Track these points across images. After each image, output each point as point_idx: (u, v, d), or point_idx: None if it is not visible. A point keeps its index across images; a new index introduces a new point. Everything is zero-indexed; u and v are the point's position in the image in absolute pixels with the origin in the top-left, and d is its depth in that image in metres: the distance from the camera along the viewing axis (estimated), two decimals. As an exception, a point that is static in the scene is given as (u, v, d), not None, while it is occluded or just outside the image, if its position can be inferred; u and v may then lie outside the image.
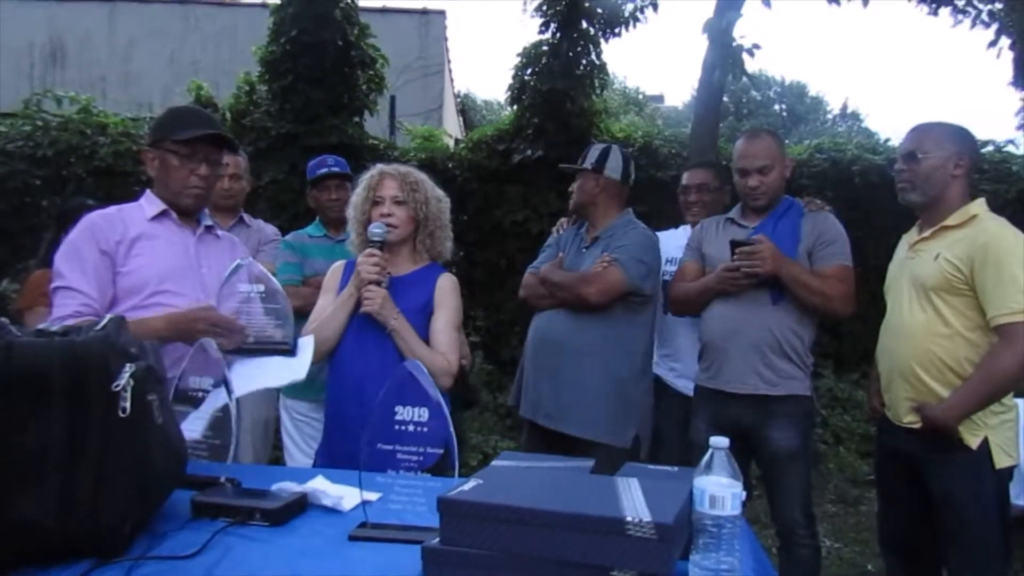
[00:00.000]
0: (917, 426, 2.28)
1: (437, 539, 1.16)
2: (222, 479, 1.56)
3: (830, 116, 30.03)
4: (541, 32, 6.08)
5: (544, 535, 1.10)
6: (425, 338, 2.19)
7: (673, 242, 3.07)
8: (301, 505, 1.49)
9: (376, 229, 2.19)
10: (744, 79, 5.04)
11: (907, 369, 2.31)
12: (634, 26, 5.91)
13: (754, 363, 2.57)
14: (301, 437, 3.14)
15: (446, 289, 2.26)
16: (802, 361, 2.61)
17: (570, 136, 5.78)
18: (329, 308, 2.25)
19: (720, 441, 1.15)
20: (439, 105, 9.45)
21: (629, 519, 1.06)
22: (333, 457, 2.15)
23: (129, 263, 2.00)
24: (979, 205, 2.31)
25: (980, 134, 4.50)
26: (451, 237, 2.35)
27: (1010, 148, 6.24)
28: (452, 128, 10.25)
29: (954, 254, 2.23)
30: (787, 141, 5.59)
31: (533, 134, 5.94)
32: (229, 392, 1.76)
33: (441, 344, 2.20)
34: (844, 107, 30.36)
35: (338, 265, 2.39)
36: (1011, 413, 2.28)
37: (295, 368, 2.02)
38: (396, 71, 6.95)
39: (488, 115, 18.88)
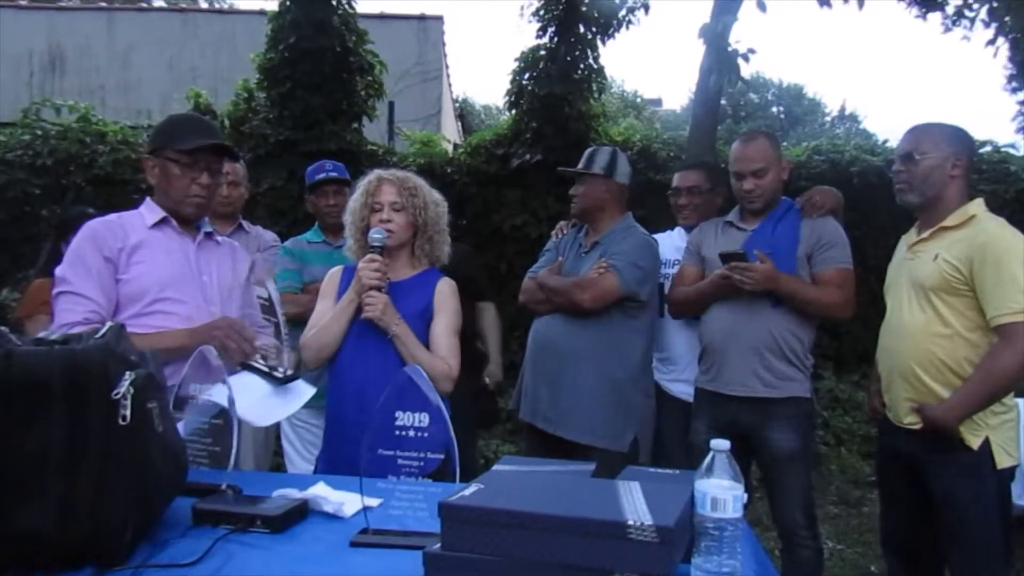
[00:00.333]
0: (918, 427, 2.27)
1: (439, 544, 1.16)
2: (223, 486, 1.56)
3: (828, 118, 30.03)
4: (539, 36, 6.09)
5: (546, 539, 1.10)
6: (425, 343, 2.19)
7: (668, 243, 3.08)
8: (302, 512, 1.49)
9: (376, 235, 2.19)
10: (740, 83, 5.05)
11: (907, 370, 2.31)
12: (627, 28, 5.92)
13: (753, 365, 2.57)
14: (302, 443, 3.14)
15: (445, 294, 2.26)
16: (802, 363, 2.61)
17: (568, 140, 5.78)
18: (328, 313, 2.25)
19: (721, 444, 1.15)
20: (437, 110, 9.46)
21: (631, 522, 1.06)
22: (334, 463, 2.14)
23: (130, 270, 2.00)
24: (977, 205, 2.31)
25: (978, 135, 4.50)
26: (449, 241, 2.35)
27: (1009, 151, 6.24)
28: (451, 133, 10.24)
29: (953, 254, 2.23)
30: (785, 143, 5.60)
31: (532, 138, 5.94)
32: (231, 400, 1.75)
33: (441, 348, 2.20)
34: (842, 109, 30.40)
35: (336, 270, 2.39)
36: (1012, 413, 2.28)
37: (277, 410, 2.01)
38: (394, 77, 6.96)
39: (487, 120, 18.93)
